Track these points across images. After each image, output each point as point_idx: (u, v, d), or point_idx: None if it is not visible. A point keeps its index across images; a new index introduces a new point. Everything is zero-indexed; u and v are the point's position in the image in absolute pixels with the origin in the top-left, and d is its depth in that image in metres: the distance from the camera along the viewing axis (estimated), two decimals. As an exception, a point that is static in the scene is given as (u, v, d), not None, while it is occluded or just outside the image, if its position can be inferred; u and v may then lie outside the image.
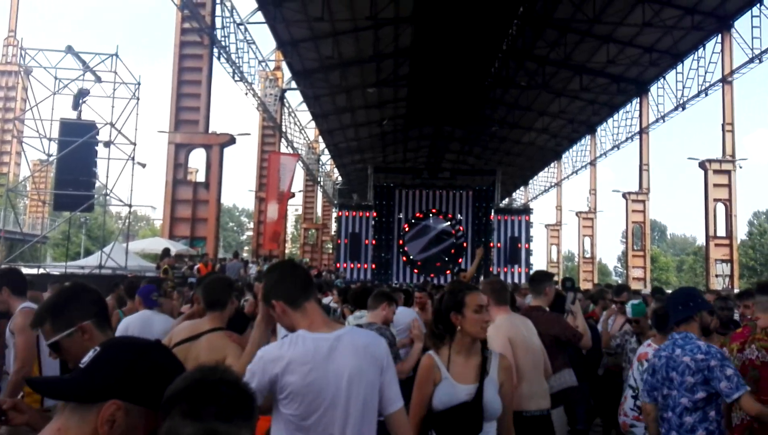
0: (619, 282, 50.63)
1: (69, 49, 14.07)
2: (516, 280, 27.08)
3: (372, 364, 2.06)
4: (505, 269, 28.89)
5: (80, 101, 13.96)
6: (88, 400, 1.21)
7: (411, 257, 28.90)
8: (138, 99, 14.58)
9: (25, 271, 11.50)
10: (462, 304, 2.63)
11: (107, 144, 14.32)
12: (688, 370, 3.04)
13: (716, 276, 22.52)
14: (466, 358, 2.63)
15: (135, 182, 17.61)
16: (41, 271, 13.82)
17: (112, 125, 14.31)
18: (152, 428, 1.19)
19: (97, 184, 14.66)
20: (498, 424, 2.63)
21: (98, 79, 14.41)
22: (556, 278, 7.77)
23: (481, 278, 9.98)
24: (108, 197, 14.71)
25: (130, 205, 15.40)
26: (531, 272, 29.01)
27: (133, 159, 14.70)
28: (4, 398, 1.91)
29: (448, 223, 29.68)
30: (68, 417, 1.23)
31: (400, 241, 29.32)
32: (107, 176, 14.45)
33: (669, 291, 8.26)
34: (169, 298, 5.38)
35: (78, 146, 13.51)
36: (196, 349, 3.04)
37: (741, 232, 51.37)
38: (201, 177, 21.51)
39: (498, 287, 3.91)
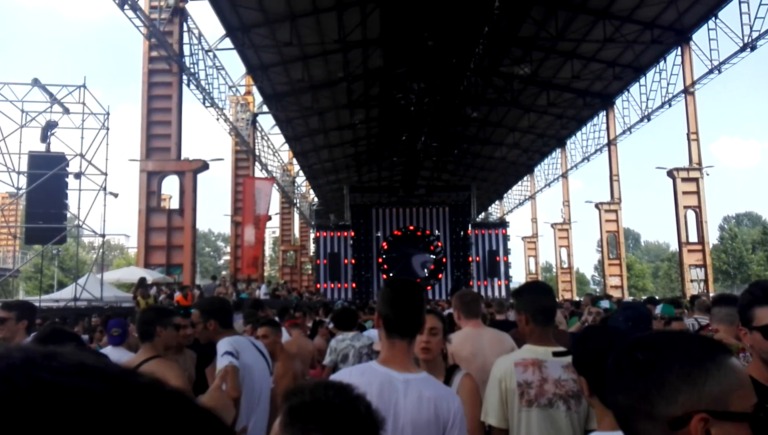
0: (597, 290, 51.22)
1: (35, 82, 13.94)
2: (497, 294, 27.34)
3: (434, 421, 1.93)
4: (485, 283, 29.08)
5: (48, 133, 13.82)
6: None
7: (391, 275, 28.95)
8: (107, 129, 14.47)
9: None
10: None
11: (77, 175, 14.13)
12: None
13: (691, 281, 22.89)
14: None
15: (107, 212, 17.30)
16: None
17: (82, 156, 14.16)
18: None
19: (69, 216, 14.49)
20: None
21: (66, 111, 14.28)
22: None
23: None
24: (80, 229, 14.52)
25: (103, 236, 15.20)
26: (511, 285, 29.48)
27: (104, 189, 14.53)
28: None
29: (426, 239, 29.86)
30: None
31: (380, 259, 29.39)
32: (79, 207, 14.24)
33: (645, 297, 8.51)
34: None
35: (48, 179, 13.35)
36: None
37: (712, 237, 52.55)
38: (175, 204, 21.36)
39: (467, 299, 3.76)
